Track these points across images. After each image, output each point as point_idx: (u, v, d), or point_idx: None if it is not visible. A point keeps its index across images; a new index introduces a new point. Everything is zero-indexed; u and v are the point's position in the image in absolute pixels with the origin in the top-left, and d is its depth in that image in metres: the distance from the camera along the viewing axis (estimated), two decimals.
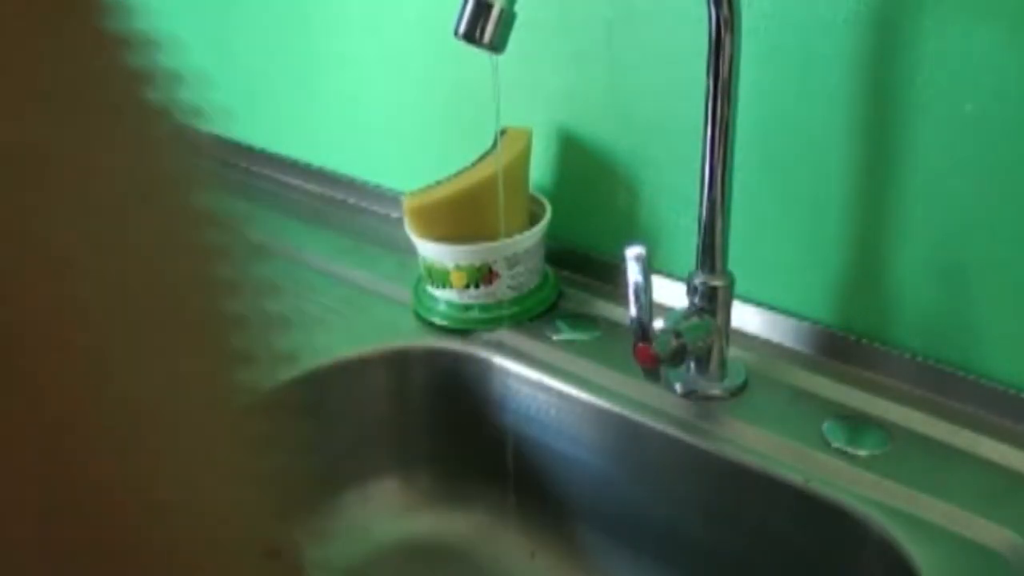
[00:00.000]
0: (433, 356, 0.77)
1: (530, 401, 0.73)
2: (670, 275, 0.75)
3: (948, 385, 0.65)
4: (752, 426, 0.65)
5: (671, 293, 0.74)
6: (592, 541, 0.73)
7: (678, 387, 0.68)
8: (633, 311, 0.60)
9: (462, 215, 0.75)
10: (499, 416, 0.75)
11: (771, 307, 0.72)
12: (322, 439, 0.76)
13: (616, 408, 0.68)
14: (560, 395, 0.71)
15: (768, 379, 0.69)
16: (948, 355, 0.65)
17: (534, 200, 0.79)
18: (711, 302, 0.65)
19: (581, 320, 0.77)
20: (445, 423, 0.78)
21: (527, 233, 0.75)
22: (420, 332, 0.78)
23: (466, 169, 0.76)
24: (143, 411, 0.19)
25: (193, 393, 0.22)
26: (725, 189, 0.63)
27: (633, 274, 0.58)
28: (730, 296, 0.66)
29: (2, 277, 0.16)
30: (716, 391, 0.67)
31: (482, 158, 0.77)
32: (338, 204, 1.00)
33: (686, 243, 0.66)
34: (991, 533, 0.56)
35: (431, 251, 0.76)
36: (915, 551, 0.55)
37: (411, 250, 0.78)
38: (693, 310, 0.66)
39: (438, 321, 0.77)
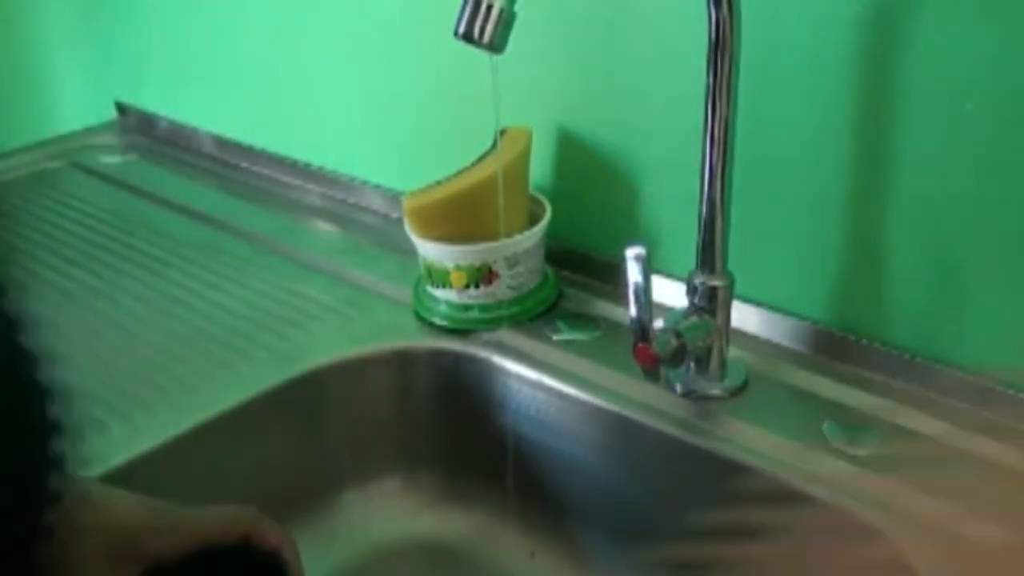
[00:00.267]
0: (433, 356, 0.77)
1: (530, 401, 0.73)
2: (670, 275, 0.75)
3: (948, 385, 0.65)
4: (752, 426, 0.65)
5: (671, 293, 0.74)
6: (592, 541, 0.73)
7: (678, 387, 0.68)
8: (633, 311, 0.60)
9: (462, 215, 0.75)
10: (499, 416, 0.75)
11: (771, 307, 0.72)
12: (322, 439, 0.76)
13: (616, 408, 0.68)
14: (560, 395, 0.71)
15: (768, 379, 0.69)
16: (948, 355, 0.65)
17: (534, 200, 0.79)
18: (711, 302, 0.65)
19: (581, 320, 0.77)
20: (445, 423, 0.78)
21: (527, 233, 0.75)
22: (420, 332, 0.78)
23: (466, 169, 0.76)
24: None
25: None
26: (725, 189, 0.63)
27: (633, 274, 0.58)
28: (730, 296, 0.66)
29: None
30: (716, 391, 0.67)
31: (482, 158, 0.77)
32: (338, 204, 1.00)
33: (686, 243, 0.66)
34: (991, 533, 0.56)
35: (431, 251, 0.76)
36: (915, 551, 0.55)
37: (411, 250, 0.78)
38: (693, 310, 0.66)
39: (438, 321, 0.77)
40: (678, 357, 0.64)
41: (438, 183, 0.76)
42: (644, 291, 0.59)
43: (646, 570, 0.71)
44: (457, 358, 0.76)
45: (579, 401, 0.70)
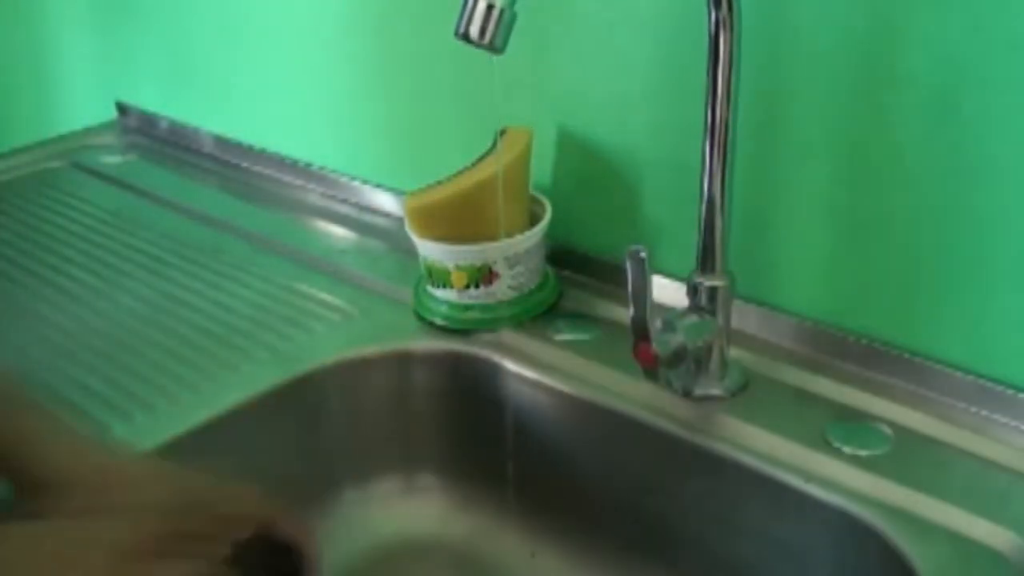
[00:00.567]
0: (433, 356, 0.77)
1: (530, 401, 0.73)
2: (670, 275, 0.75)
3: (948, 384, 0.65)
4: (752, 426, 0.65)
5: (671, 293, 0.74)
6: (592, 541, 0.73)
7: (678, 387, 0.68)
8: (633, 311, 0.60)
9: (462, 215, 0.75)
10: (499, 416, 0.75)
11: (771, 307, 0.72)
12: (322, 439, 0.76)
13: (616, 408, 0.68)
14: (560, 395, 0.71)
15: (768, 379, 0.69)
16: (948, 355, 0.65)
17: (534, 200, 0.79)
18: (711, 302, 0.65)
19: (581, 320, 0.77)
20: (445, 423, 0.78)
21: (527, 233, 0.75)
22: (420, 332, 0.78)
23: (466, 169, 0.76)
24: None
25: None
26: (725, 189, 0.63)
27: (633, 274, 0.58)
28: (730, 296, 0.66)
29: None
30: (716, 391, 0.67)
31: (482, 158, 0.77)
32: (338, 204, 1.00)
33: (686, 243, 0.66)
34: (991, 533, 0.56)
35: (431, 251, 0.76)
36: (915, 551, 0.55)
37: (411, 250, 0.78)
38: (693, 310, 0.66)
39: (438, 321, 0.77)
40: (678, 357, 0.64)
41: (438, 183, 0.76)
42: (644, 291, 0.59)
43: (646, 570, 0.71)
44: (457, 358, 0.76)
45: (579, 401, 0.70)
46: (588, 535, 0.73)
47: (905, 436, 0.63)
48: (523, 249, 0.75)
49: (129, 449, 0.60)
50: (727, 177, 0.63)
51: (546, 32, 0.78)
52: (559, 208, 0.78)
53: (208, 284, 0.86)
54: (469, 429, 0.78)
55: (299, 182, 1.04)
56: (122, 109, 1.25)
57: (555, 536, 0.75)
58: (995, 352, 0.63)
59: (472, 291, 0.76)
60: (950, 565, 0.54)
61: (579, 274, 0.82)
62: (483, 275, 0.75)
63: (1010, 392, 0.63)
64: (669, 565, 0.70)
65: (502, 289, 0.76)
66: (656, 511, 0.69)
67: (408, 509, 0.78)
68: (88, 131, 1.23)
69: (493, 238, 0.74)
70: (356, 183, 0.99)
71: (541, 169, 0.82)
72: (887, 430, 0.63)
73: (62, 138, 1.21)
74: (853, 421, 0.64)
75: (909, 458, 0.61)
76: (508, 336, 0.76)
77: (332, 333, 0.78)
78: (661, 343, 0.62)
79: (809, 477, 0.61)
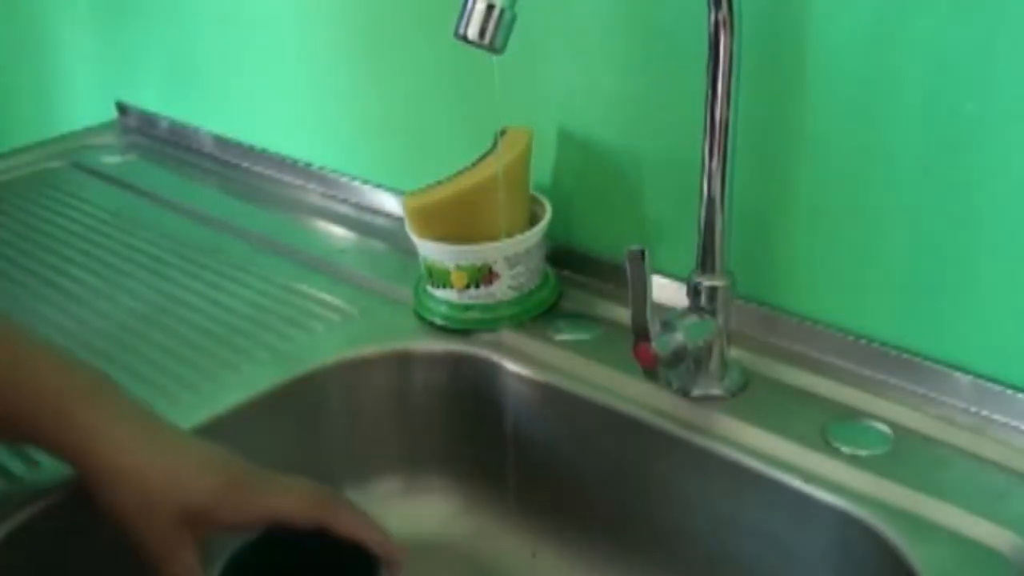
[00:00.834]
0: (433, 356, 0.77)
1: (530, 401, 0.73)
2: (670, 275, 0.75)
3: (948, 384, 0.65)
4: (752, 426, 0.65)
5: (671, 293, 0.74)
6: (592, 541, 0.73)
7: (678, 387, 0.68)
8: (633, 311, 0.60)
9: (462, 215, 0.75)
10: (499, 416, 0.75)
11: (771, 307, 0.72)
12: (322, 439, 0.76)
13: (616, 408, 0.68)
14: (560, 395, 0.71)
15: (768, 379, 0.69)
16: (947, 355, 0.65)
17: (534, 200, 0.79)
18: (711, 302, 0.65)
19: (581, 320, 0.77)
20: (445, 423, 0.78)
21: (527, 233, 0.75)
22: (421, 332, 0.78)
23: (466, 169, 0.76)
24: None
25: None
26: (725, 189, 0.63)
27: (633, 274, 0.58)
28: (730, 296, 0.66)
29: None
30: (716, 391, 0.67)
31: (482, 158, 0.77)
32: (338, 204, 1.00)
33: (686, 243, 0.66)
34: (991, 533, 0.56)
35: (431, 251, 0.76)
36: (915, 551, 0.55)
37: (411, 250, 0.78)
38: (693, 310, 0.66)
39: (438, 321, 0.77)
40: (678, 357, 0.64)
41: (438, 183, 0.76)
42: (644, 291, 0.59)
43: (646, 570, 0.71)
44: (457, 358, 0.76)
45: (579, 401, 0.70)
46: (588, 535, 0.73)
47: (905, 436, 0.63)
48: (523, 249, 0.75)
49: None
50: (727, 177, 0.63)
51: (546, 32, 0.78)
52: (559, 208, 0.78)
53: (208, 284, 0.86)
54: (469, 429, 0.78)
55: (299, 182, 1.04)
56: (122, 109, 1.25)
57: (555, 536, 0.75)
58: (994, 352, 0.64)
59: (472, 291, 0.76)
60: (950, 565, 0.54)
61: (579, 274, 0.82)
62: (483, 275, 0.75)
63: (1010, 392, 0.63)
64: (669, 565, 0.70)
65: (502, 289, 0.76)
66: (656, 511, 0.69)
67: (408, 509, 0.78)
68: (88, 131, 1.23)
69: (493, 238, 0.74)
70: (356, 183, 0.99)
71: (541, 169, 0.82)
72: (887, 430, 0.63)
73: (62, 138, 1.21)
74: (853, 421, 0.64)
75: (909, 458, 0.61)
76: (508, 336, 0.76)
77: (332, 333, 0.78)
78: (661, 343, 0.62)
79: (809, 477, 0.61)
